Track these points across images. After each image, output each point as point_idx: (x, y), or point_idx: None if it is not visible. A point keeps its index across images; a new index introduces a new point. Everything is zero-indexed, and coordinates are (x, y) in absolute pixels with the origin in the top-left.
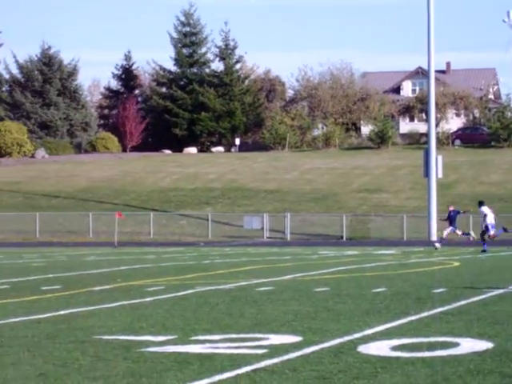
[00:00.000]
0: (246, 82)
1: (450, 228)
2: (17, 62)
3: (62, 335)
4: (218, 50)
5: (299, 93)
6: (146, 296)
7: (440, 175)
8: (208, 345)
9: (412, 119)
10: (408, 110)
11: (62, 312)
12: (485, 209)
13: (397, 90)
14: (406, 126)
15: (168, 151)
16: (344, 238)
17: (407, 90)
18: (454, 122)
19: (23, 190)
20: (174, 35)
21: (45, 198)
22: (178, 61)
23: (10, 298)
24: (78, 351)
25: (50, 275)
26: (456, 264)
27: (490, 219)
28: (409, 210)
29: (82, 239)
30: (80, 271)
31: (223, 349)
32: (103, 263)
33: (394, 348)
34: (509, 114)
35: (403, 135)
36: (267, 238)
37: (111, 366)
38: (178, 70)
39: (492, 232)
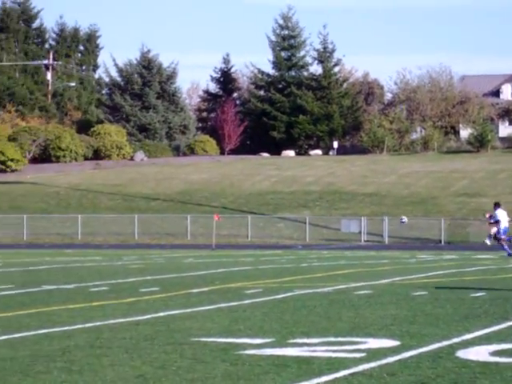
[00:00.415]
0: (345, 85)
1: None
2: (116, 65)
3: (160, 337)
4: (316, 52)
5: (397, 96)
6: (244, 298)
7: None
8: (306, 348)
9: (511, 123)
10: (508, 114)
11: (161, 314)
12: (500, 212)
13: (496, 93)
14: (505, 129)
15: (266, 154)
16: (442, 242)
17: (507, 93)
18: None
19: (122, 193)
20: (273, 38)
21: (143, 201)
22: (276, 64)
23: (108, 300)
24: (176, 353)
25: (149, 277)
26: None
27: (505, 223)
28: (509, 215)
29: (179, 241)
30: (178, 273)
31: (321, 352)
32: (201, 265)
33: (493, 353)
34: None
35: (503, 139)
36: (365, 241)
37: (209, 368)
38: (277, 73)
39: (503, 237)
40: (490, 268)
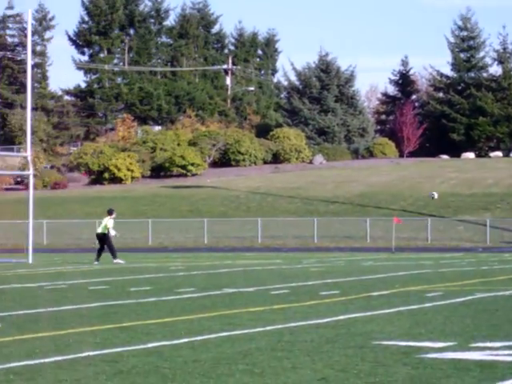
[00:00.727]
0: None
1: None
2: (294, 69)
3: (341, 340)
4: (495, 53)
5: None
6: (424, 302)
7: None
8: (488, 352)
9: None
10: None
11: (341, 317)
12: None
13: None
14: None
15: (445, 156)
16: None
17: None
18: None
19: (301, 196)
20: (451, 40)
21: (323, 204)
22: (455, 65)
23: (289, 303)
24: (357, 356)
25: (328, 280)
26: None
27: None
28: None
29: (359, 244)
30: (357, 276)
31: (504, 356)
32: (380, 268)
33: None
34: None
35: None
36: None
37: (391, 372)
38: (455, 75)
39: None
40: None
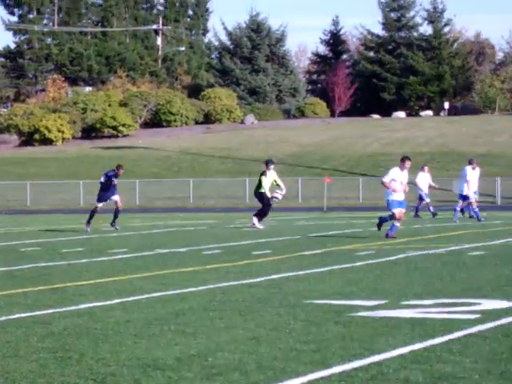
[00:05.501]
0: (455, 45)
1: None
2: (225, 29)
3: (273, 299)
4: (426, 13)
5: (509, 55)
6: (356, 261)
7: None
8: (419, 310)
9: None
10: None
11: (273, 276)
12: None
13: None
14: None
15: (376, 116)
16: None
17: None
18: None
19: (233, 156)
20: None
21: (254, 164)
22: (385, 25)
23: (221, 263)
24: (289, 315)
25: (261, 240)
26: None
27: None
28: None
29: (291, 204)
30: (290, 236)
31: (434, 314)
32: (313, 228)
33: None
34: None
35: None
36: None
37: (322, 331)
38: (386, 34)
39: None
40: None
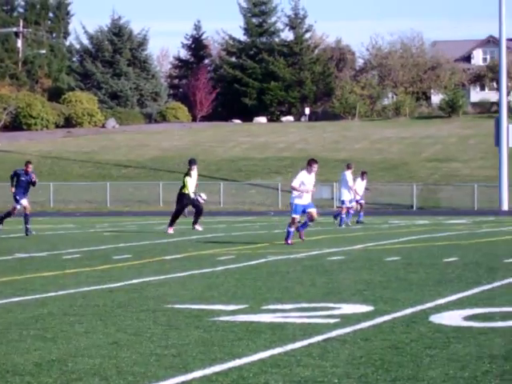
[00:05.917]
0: (316, 51)
1: None
2: (87, 32)
3: (133, 304)
4: (287, 19)
5: (369, 62)
6: (217, 265)
7: (511, 144)
8: (279, 314)
9: (483, 88)
10: (479, 79)
11: (134, 281)
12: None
13: (467, 58)
14: (476, 94)
15: (238, 121)
16: (414, 208)
17: (478, 58)
18: None
19: (94, 160)
20: (244, 5)
21: (115, 168)
22: (247, 30)
23: (81, 267)
24: (149, 320)
25: (122, 244)
26: None
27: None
28: (480, 180)
29: (152, 208)
30: (151, 240)
31: (295, 318)
32: (174, 232)
33: (467, 318)
34: None
35: (474, 104)
36: (337, 207)
37: (183, 335)
38: (248, 40)
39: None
40: (461, 233)
